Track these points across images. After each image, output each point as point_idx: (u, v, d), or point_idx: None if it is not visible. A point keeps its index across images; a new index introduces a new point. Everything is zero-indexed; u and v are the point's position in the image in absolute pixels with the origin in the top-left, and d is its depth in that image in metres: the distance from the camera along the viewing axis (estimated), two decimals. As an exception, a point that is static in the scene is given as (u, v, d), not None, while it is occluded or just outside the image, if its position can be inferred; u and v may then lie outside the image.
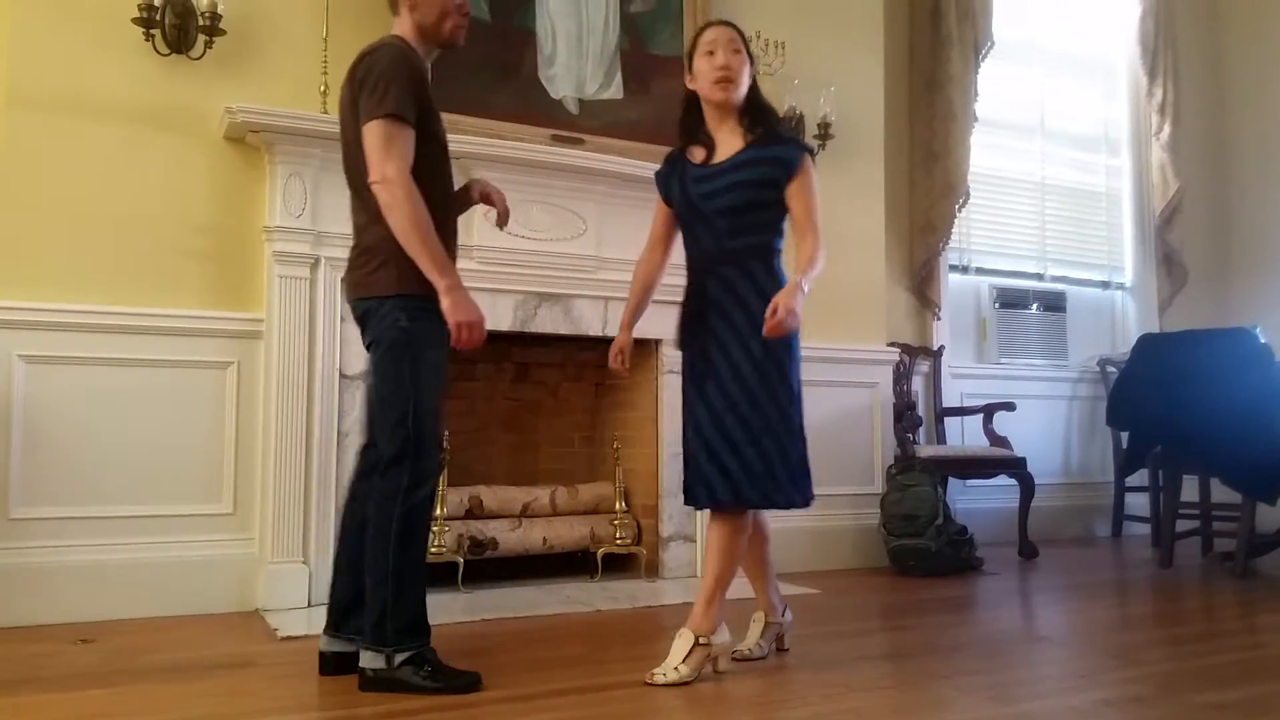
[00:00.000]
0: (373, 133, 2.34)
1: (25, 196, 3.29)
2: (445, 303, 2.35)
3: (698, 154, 2.71)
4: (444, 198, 2.53)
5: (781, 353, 2.57)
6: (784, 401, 2.56)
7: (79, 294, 3.32)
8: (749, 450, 2.52)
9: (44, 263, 3.30)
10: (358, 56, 2.45)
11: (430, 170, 2.45)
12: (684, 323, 2.73)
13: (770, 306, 2.42)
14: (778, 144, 2.64)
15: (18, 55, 3.31)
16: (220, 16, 3.45)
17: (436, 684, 2.30)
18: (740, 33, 2.71)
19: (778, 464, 2.53)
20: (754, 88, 2.71)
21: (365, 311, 2.46)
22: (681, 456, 2.73)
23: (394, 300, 2.39)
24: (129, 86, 3.44)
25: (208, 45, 3.49)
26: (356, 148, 2.41)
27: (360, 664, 2.34)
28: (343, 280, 2.58)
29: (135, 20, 3.37)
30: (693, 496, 2.63)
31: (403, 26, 2.52)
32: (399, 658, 2.31)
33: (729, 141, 2.67)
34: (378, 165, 2.32)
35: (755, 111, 2.68)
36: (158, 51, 3.45)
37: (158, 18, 3.41)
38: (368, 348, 2.49)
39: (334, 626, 2.52)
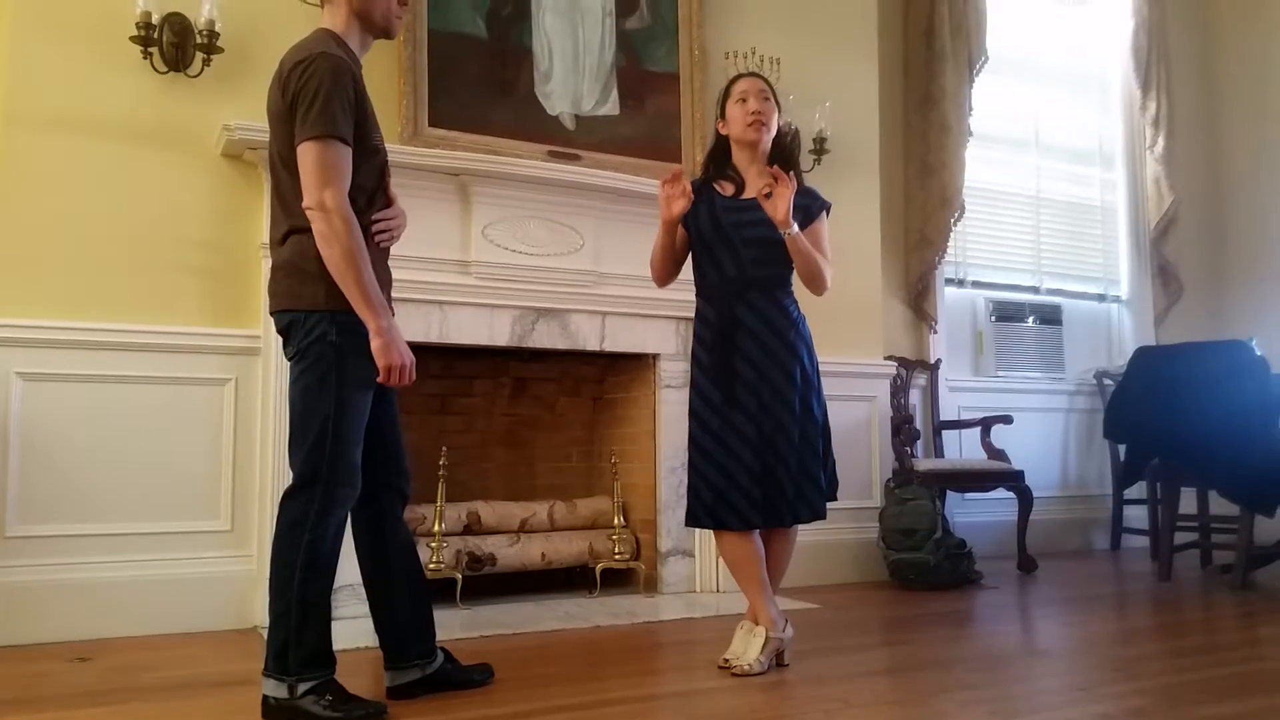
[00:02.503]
0: (309, 154, 2.23)
1: (24, 214, 3.29)
2: (375, 343, 2.26)
3: (726, 188, 2.93)
4: (383, 209, 2.45)
5: (813, 373, 2.88)
6: (823, 417, 2.90)
7: (77, 311, 3.33)
8: (812, 466, 2.82)
9: (42, 280, 3.30)
10: (290, 62, 2.31)
11: (372, 185, 2.38)
12: (707, 345, 2.86)
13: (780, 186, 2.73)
14: (804, 195, 2.91)
15: (17, 74, 3.32)
16: (218, 34, 3.47)
17: (336, 714, 2.22)
18: (769, 83, 2.99)
19: (819, 480, 2.85)
20: (780, 136, 3.00)
21: (290, 323, 2.33)
22: (688, 472, 2.87)
23: (323, 314, 2.29)
24: (127, 104, 3.45)
25: (205, 63, 3.50)
26: (288, 158, 2.30)
27: (264, 691, 2.27)
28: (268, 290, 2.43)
29: (133, 38, 3.39)
30: (773, 517, 2.79)
31: (336, 14, 2.40)
32: (302, 687, 2.22)
33: (758, 181, 2.89)
34: (314, 190, 2.22)
35: (783, 158, 2.95)
36: (155, 69, 3.47)
37: (155, 35, 3.43)
38: (290, 359, 2.36)
39: (395, 660, 2.47)
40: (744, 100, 2.90)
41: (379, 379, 2.31)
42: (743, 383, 2.79)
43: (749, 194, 2.88)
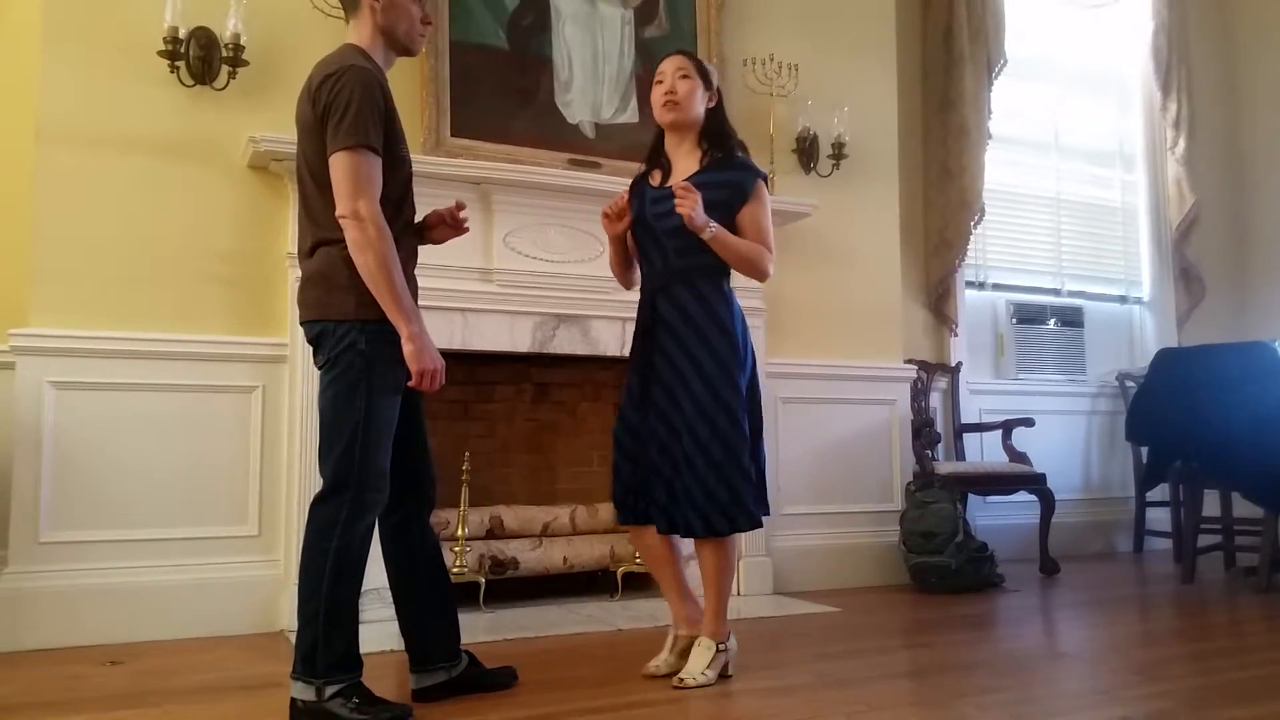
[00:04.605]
0: (341, 164, 2.27)
1: (55, 226, 3.36)
2: (408, 349, 2.30)
3: (656, 176, 2.82)
4: (409, 222, 2.51)
5: (737, 372, 2.67)
6: (738, 422, 2.65)
7: (107, 321, 3.39)
8: (710, 477, 2.61)
9: (73, 291, 3.36)
10: (320, 76, 2.35)
11: (398, 194, 2.42)
12: (634, 340, 2.80)
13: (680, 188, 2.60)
14: (731, 169, 2.75)
15: (48, 90, 3.38)
16: (243, 47, 3.53)
17: (363, 716, 2.25)
18: (694, 60, 2.82)
19: (738, 487, 2.63)
20: (716, 113, 2.82)
21: (320, 333, 2.37)
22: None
23: (353, 324, 2.33)
24: (155, 117, 3.51)
25: (231, 76, 3.56)
26: (315, 169, 2.35)
27: (292, 694, 2.30)
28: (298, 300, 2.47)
29: (161, 53, 3.44)
30: (672, 524, 2.69)
31: (362, 30, 2.44)
32: (329, 690, 2.26)
33: (684, 164, 2.79)
34: (348, 199, 2.26)
35: (714, 135, 2.79)
36: (182, 83, 3.52)
37: (182, 50, 3.48)
38: (320, 368, 2.40)
39: (420, 663, 2.52)
40: (660, 82, 2.77)
41: (411, 384, 2.35)
42: (658, 379, 2.70)
43: (675, 179, 2.76)
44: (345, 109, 2.27)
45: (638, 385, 2.74)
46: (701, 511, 2.62)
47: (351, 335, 2.33)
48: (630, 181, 2.94)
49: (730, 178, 2.73)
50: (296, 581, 3.42)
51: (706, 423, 2.62)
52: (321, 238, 2.37)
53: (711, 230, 2.63)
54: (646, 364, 2.72)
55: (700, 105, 2.77)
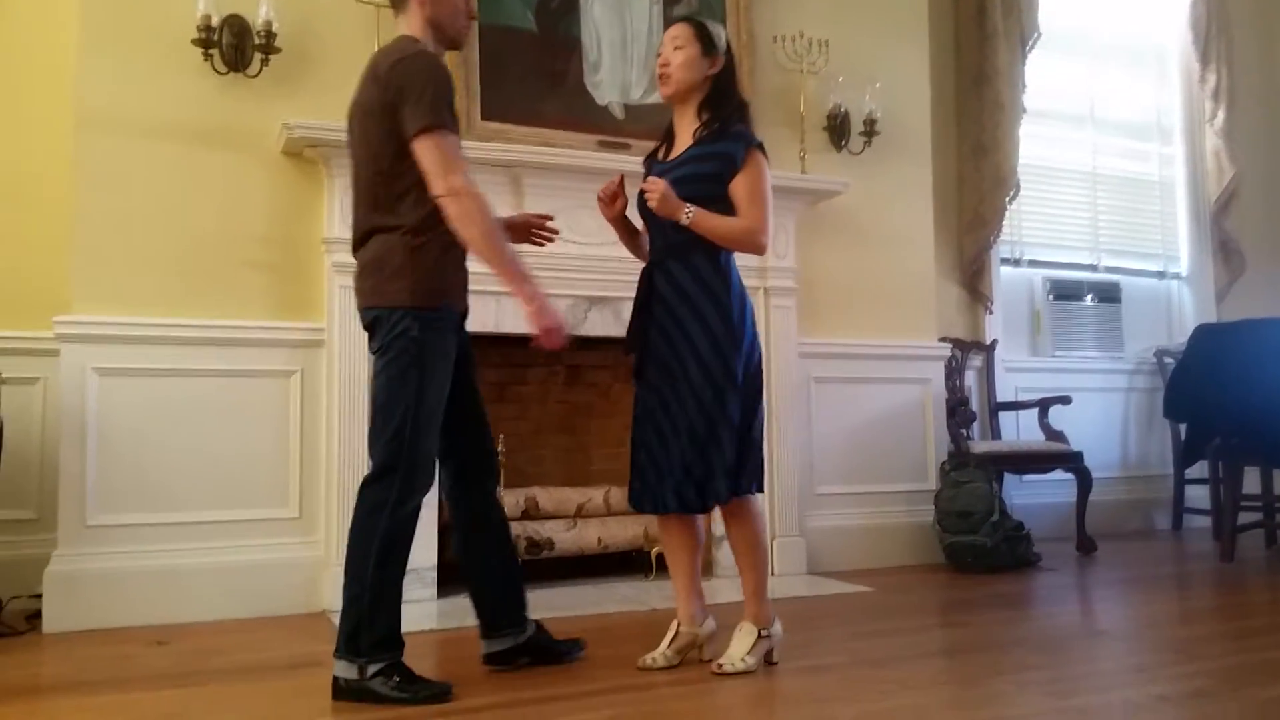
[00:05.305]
0: (427, 146, 2.31)
1: (96, 215, 3.41)
2: (529, 309, 2.35)
3: (663, 151, 2.79)
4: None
5: (729, 352, 2.59)
6: (724, 404, 2.57)
7: (148, 308, 3.44)
8: (690, 452, 2.57)
9: (115, 278, 3.42)
10: (386, 62, 2.38)
11: None
12: (631, 316, 2.73)
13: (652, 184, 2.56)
14: (725, 140, 2.64)
15: (86, 80, 3.43)
16: (275, 35, 3.56)
17: (404, 695, 2.30)
18: (693, 25, 2.71)
19: (728, 460, 2.57)
20: (721, 79, 2.69)
21: (375, 319, 2.43)
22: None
23: (407, 311, 2.37)
24: (190, 105, 3.55)
25: (264, 63, 3.59)
26: (378, 154, 2.38)
27: (334, 672, 2.35)
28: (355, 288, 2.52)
29: (194, 41, 3.48)
30: (658, 502, 2.64)
31: (412, 22, 2.48)
32: (371, 669, 2.31)
33: (684, 136, 2.73)
34: (442, 178, 2.31)
35: (714, 105, 2.68)
36: (216, 70, 3.56)
37: (216, 38, 3.52)
38: (374, 353, 2.45)
39: (488, 629, 2.61)
40: (660, 55, 2.71)
41: (533, 343, 2.39)
42: (653, 355, 2.65)
43: (675, 153, 2.71)
44: (422, 91, 2.32)
45: (637, 365, 2.71)
46: (677, 487, 2.58)
47: (405, 322, 2.37)
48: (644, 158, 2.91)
49: (721, 149, 2.63)
50: (337, 562, 3.47)
51: (694, 400, 2.57)
52: (376, 225, 2.42)
53: (688, 216, 2.56)
54: (644, 341, 2.67)
55: (698, 72, 2.66)
